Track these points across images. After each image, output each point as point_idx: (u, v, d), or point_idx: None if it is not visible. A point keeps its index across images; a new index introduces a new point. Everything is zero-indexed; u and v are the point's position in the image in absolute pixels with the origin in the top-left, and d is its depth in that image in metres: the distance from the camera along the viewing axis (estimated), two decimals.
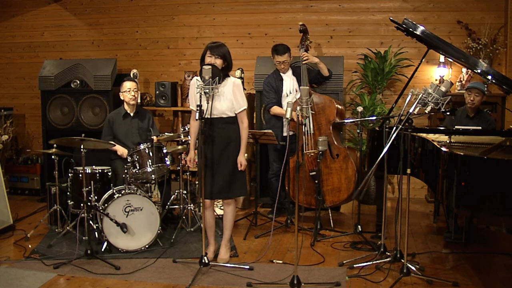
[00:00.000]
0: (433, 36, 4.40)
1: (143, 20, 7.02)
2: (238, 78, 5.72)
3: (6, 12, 7.41)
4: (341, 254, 4.49)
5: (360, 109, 5.08)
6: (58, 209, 4.94)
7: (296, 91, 5.44)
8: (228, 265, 4.18)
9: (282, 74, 5.49)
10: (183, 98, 6.62)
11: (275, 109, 5.39)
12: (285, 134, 5.38)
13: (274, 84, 5.43)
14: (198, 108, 3.90)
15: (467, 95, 5.01)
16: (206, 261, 4.03)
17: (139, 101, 5.65)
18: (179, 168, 5.26)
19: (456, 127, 4.80)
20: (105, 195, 4.71)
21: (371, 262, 4.19)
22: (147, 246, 4.53)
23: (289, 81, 5.48)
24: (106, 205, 4.46)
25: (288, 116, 3.79)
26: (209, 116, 4.05)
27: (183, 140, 5.25)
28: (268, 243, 4.73)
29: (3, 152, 6.63)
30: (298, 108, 3.74)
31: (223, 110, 4.10)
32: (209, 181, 4.10)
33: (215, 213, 4.98)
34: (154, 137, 5.05)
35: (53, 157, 4.86)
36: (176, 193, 5.24)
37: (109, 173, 4.90)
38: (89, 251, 4.24)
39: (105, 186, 4.83)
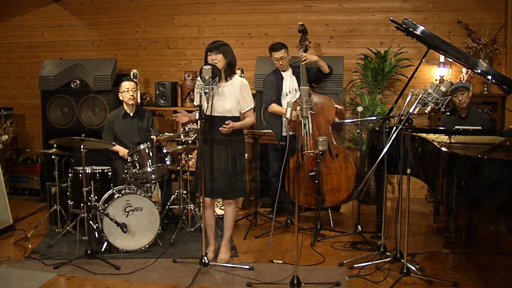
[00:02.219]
0: (433, 36, 4.40)
1: (143, 20, 7.02)
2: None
3: (6, 12, 7.41)
4: (341, 254, 4.49)
5: (360, 109, 5.08)
6: (58, 209, 4.94)
7: (296, 91, 5.44)
8: (228, 265, 4.18)
9: (282, 73, 5.49)
10: (183, 98, 6.62)
11: (274, 107, 5.39)
12: (284, 134, 5.38)
13: (275, 83, 5.43)
14: (198, 108, 3.90)
15: (454, 98, 5.02)
16: (206, 261, 4.03)
17: (138, 101, 5.67)
18: (179, 168, 5.26)
19: (456, 127, 4.80)
20: (105, 195, 4.70)
21: (371, 262, 4.19)
22: (147, 246, 4.52)
23: (289, 80, 5.48)
24: (106, 205, 4.46)
25: (288, 116, 3.78)
26: (209, 114, 4.04)
27: (183, 140, 5.25)
28: (268, 243, 4.73)
29: (3, 152, 6.63)
30: (298, 108, 3.74)
31: (228, 108, 4.09)
32: (209, 179, 4.10)
33: (215, 213, 4.98)
34: (154, 137, 5.04)
35: (53, 157, 4.86)
36: (176, 193, 5.24)
37: (109, 173, 4.90)
38: (89, 251, 4.24)
39: (105, 186, 4.84)
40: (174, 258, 4.34)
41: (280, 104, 5.40)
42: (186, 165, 5.35)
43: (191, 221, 5.20)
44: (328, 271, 4.07)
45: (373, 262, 4.19)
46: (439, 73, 6.16)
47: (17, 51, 7.41)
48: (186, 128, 5.28)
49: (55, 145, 4.75)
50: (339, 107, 5.43)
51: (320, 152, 4.97)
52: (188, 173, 5.40)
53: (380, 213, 4.78)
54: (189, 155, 5.81)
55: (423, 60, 4.78)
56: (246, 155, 4.27)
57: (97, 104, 6.41)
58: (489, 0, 6.22)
